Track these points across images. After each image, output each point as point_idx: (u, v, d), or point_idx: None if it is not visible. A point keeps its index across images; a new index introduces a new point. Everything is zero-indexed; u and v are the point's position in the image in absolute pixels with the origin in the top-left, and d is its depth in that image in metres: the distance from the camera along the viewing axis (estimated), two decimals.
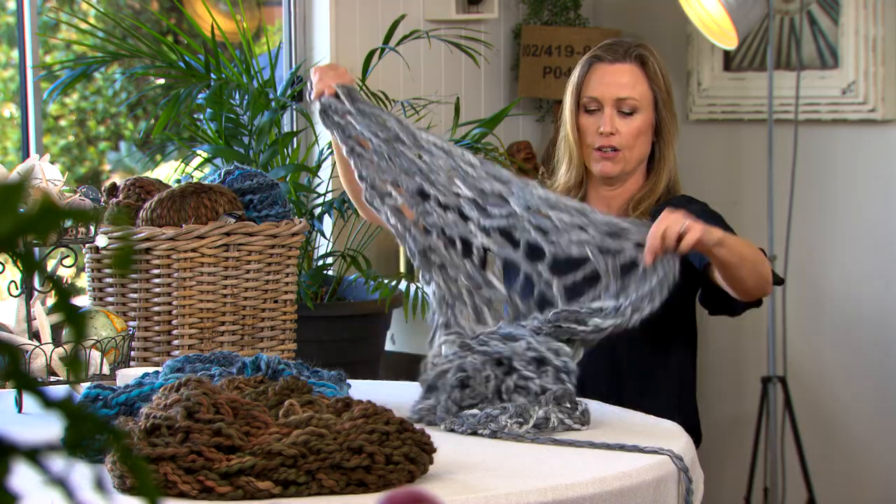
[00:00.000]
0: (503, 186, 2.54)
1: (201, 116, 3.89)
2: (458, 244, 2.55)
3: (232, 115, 3.83)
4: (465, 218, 2.55)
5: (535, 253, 2.52)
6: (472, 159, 2.58)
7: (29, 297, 2.62)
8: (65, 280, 3.25)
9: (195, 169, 3.89)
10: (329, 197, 4.01)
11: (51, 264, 2.72)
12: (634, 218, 2.76)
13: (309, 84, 2.70)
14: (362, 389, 2.69)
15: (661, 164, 2.85)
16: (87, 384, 2.24)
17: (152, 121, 3.81)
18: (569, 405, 2.30)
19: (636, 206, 2.82)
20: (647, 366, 2.78)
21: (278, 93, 3.92)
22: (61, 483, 0.84)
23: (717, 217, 2.79)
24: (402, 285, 3.78)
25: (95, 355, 2.55)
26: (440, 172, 2.57)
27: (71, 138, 6.01)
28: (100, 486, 0.88)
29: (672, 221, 2.41)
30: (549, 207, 2.51)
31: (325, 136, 4.18)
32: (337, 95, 2.64)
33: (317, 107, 2.68)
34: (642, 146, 2.83)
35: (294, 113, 4.23)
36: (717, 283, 2.64)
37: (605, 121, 2.80)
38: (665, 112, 2.83)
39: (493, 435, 2.24)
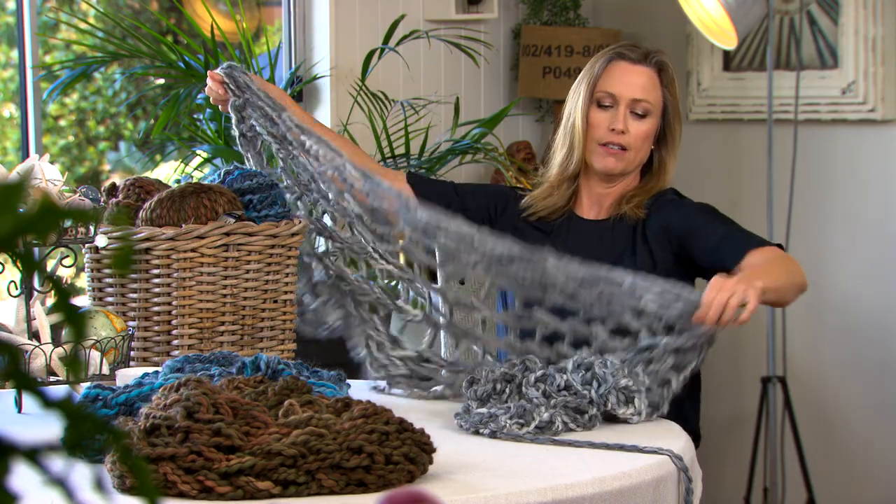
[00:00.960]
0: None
1: (201, 116, 3.89)
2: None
3: None
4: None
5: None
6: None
7: (28, 297, 2.61)
8: (64, 280, 3.25)
9: (195, 169, 3.89)
10: None
11: (50, 264, 2.72)
12: (629, 211, 2.78)
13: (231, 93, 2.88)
14: (362, 389, 2.69)
15: (660, 170, 2.86)
16: (87, 384, 2.24)
17: (152, 121, 3.81)
18: (578, 412, 2.30)
19: (629, 201, 2.83)
20: None
21: None
22: (61, 483, 0.84)
23: (710, 210, 2.81)
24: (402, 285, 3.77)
25: (95, 355, 2.55)
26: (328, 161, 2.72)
27: (70, 138, 6.01)
28: (99, 486, 0.88)
29: (729, 292, 2.40)
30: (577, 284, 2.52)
31: None
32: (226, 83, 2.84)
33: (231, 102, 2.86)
34: (646, 150, 2.85)
35: None
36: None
37: (618, 118, 2.80)
38: (673, 121, 2.85)
39: (493, 435, 2.24)
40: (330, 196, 2.77)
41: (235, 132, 2.88)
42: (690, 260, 2.76)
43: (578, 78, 2.88)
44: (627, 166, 2.83)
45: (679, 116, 2.87)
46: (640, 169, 2.88)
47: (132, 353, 2.75)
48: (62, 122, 6.00)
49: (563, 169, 2.88)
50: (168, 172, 4.07)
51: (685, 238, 2.76)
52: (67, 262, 2.63)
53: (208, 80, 2.89)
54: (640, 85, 2.82)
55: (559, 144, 2.90)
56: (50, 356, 2.52)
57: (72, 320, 0.84)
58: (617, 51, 2.85)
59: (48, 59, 5.02)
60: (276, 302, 2.84)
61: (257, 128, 2.82)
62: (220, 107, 2.93)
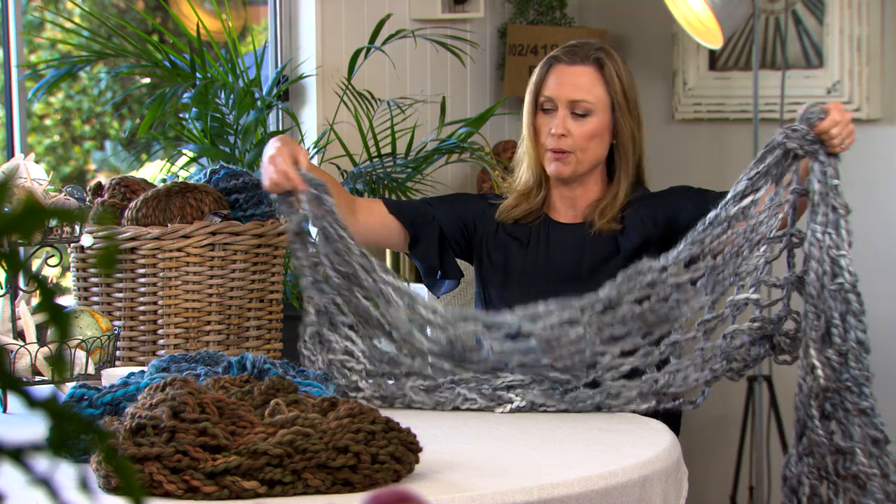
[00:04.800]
0: (474, 326, 2.55)
1: (187, 116, 3.89)
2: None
3: (217, 115, 3.82)
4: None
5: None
6: (436, 306, 2.58)
7: (13, 297, 2.61)
8: (49, 280, 3.24)
9: (181, 168, 3.89)
10: None
11: (35, 264, 2.71)
12: (602, 226, 2.79)
13: (264, 161, 2.60)
14: None
15: (619, 170, 2.86)
16: (72, 384, 2.23)
17: (137, 120, 3.80)
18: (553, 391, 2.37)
19: (602, 215, 2.83)
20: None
21: (264, 92, 3.92)
22: (46, 483, 0.84)
23: (685, 186, 2.86)
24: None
25: (80, 355, 2.54)
26: (399, 326, 2.55)
27: (56, 137, 6.00)
28: (84, 486, 0.88)
29: (847, 119, 2.50)
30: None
31: (311, 135, 4.17)
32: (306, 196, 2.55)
33: (274, 197, 2.61)
34: (596, 149, 2.83)
35: (280, 112, 4.22)
36: None
37: (557, 122, 2.80)
38: (622, 117, 2.83)
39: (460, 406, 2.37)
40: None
41: (287, 221, 2.60)
42: (677, 230, 2.76)
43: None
44: (577, 168, 2.83)
45: (630, 111, 2.84)
46: (604, 168, 2.88)
47: (118, 352, 2.75)
48: (47, 122, 5.98)
49: (527, 179, 2.89)
50: (154, 172, 4.07)
51: (670, 213, 2.79)
52: (53, 261, 2.63)
53: (277, 160, 2.56)
54: (578, 85, 2.81)
55: (520, 155, 2.91)
56: (35, 356, 2.52)
57: (57, 320, 0.84)
58: (554, 55, 2.86)
59: (33, 58, 5.01)
60: (262, 301, 2.84)
61: (320, 251, 2.57)
62: (269, 187, 2.59)
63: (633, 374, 2.51)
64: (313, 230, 2.58)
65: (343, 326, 2.56)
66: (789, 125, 2.51)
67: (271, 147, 2.59)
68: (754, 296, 2.48)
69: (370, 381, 2.54)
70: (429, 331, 2.55)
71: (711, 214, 2.51)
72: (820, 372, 2.42)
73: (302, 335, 2.57)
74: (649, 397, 2.48)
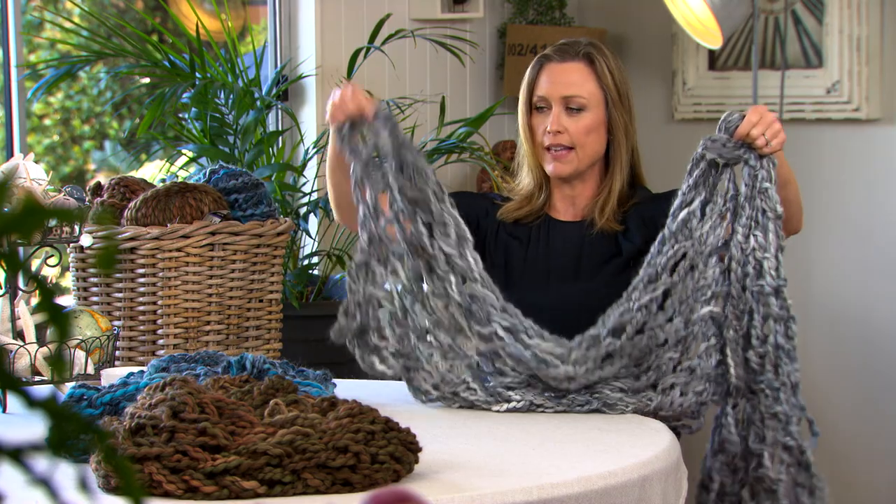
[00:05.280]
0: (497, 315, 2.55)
1: (186, 116, 3.89)
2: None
3: (217, 115, 3.82)
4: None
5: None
6: (478, 260, 2.57)
7: (13, 297, 2.61)
8: (49, 279, 3.24)
9: (180, 168, 3.89)
10: (314, 196, 4.01)
11: (35, 264, 2.71)
12: (604, 226, 2.78)
13: (334, 95, 2.57)
14: (348, 389, 2.68)
15: (614, 163, 2.86)
16: (72, 384, 2.23)
17: (137, 120, 3.80)
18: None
19: (601, 212, 2.82)
20: None
21: (263, 92, 3.92)
22: (45, 483, 0.84)
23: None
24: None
25: (80, 355, 2.54)
26: (440, 264, 2.54)
27: (55, 137, 6.00)
28: (84, 485, 0.88)
29: (771, 117, 2.52)
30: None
31: (310, 135, 4.17)
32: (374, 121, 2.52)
33: (346, 126, 2.55)
34: (594, 143, 2.83)
35: (279, 112, 4.22)
36: None
37: (552, 119, 2.80)
38: (615, 111, 2.83)
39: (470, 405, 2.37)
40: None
41: (340, 141, 2.56)
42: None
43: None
44: (579, 165, 2.82)
45: (623, 105, 2.85)
46: (602, 164, 2.88)
47: (117, 352, 2.74)
48: (47, 122, 5.98)
49: (529, 182, 2.88)
50: (153, 172, 4.07)
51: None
52: (52, 261, 2.63)
53: (348, 90, 2.55)
54: (569, 82, 2.82)
55: (520, 160, 2.91)
56: (34, 356, 2.52)
57: (56, 320, 0.84)
58: (544, 54, 2.86)
59: (33, 57, 5.01)
60: (261, 301, 2.84)
61: (389, 177, 2.53)
62: (331, 113, 2.56)
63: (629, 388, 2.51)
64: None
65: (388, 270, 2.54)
66: (709, 135, 2.53)
67: (338, 88, 2.58)
68: (716, 308, 2.48)
69: (398, 330, 2.52)
70: (456, 286, 2.53)
71: (660, 235, 2.52)
72: (732, 371, 2.44)
73: (350, 263, 2.54)
74: (648, 415, 2.48)
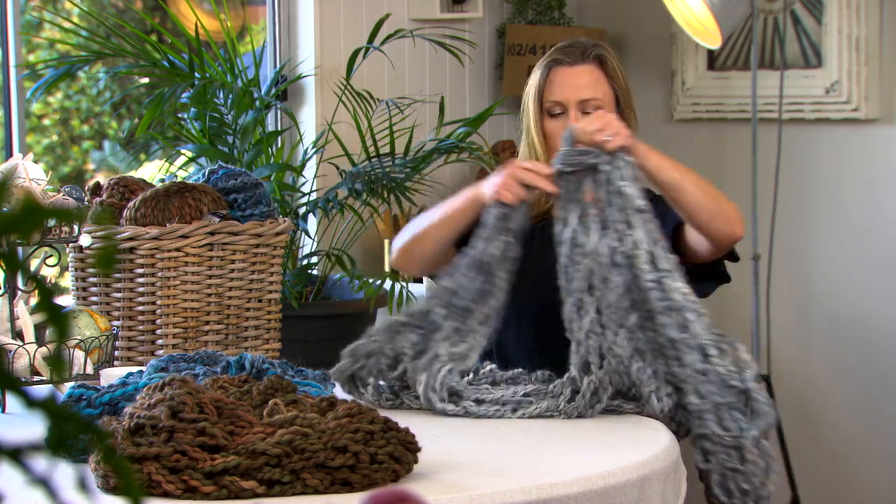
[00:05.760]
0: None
1: (185, 116, 3.88)
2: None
3: (216, 115, 3.82)
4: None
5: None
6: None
7: (12, 297, 2.61)
8: (48, 279, 3.24)
9: (179, 168, 3.89)
10: (313, 196, 4.01)
11: (34, 264, 2.71)
12: None
13: (508, 173, 2.59)
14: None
15: None
16: (71, 384, 2.23)
17: (136, 120, 3.80)
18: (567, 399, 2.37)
19: None
20: None
21: (262, 92, 3.92)
22: (44, 483, 0.83)
23: None
24: (387, 284, 3.78)
25: (79, 355, 2.54)
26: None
27: (54, 137, 6.00)
28: (83, 485, 0.88)
29: (603, 120, 2.51)
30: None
31: (309, 135, 4.17)
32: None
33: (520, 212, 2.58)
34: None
35: (278, 112, 4.22)
36: (688, 243, 2.66)
37: (570, 122, 2.80)
38: (626, 109, 2.84)
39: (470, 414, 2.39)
40: None
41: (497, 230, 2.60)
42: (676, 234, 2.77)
43: (525, 90, 2.88)
44: None
45: (630, 104, 2.86)
46: None
47: (116, 352, 2.74)
48: (46, 121, 5.98)
49: None
50: (152, 172, 4.07)
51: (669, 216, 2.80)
52: (51, 261, 2.63)
53: (526, 175, 2.57)
54: (584, 85, 2.82)
55: (525, 160, 2.90)
56: (34, 356, 2.52)
57: (55, 320, 0.84)
58: (553, 58, 2.85)
59: (32, 57, 5.01)
60: (260, 301, 2.84)
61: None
62: (499, 192, 2.58)
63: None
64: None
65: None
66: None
67: (506, 169, 2.60)
68: (640, 313, 2.47)
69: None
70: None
71: (560, 265, 2.51)
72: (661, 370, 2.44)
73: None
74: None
